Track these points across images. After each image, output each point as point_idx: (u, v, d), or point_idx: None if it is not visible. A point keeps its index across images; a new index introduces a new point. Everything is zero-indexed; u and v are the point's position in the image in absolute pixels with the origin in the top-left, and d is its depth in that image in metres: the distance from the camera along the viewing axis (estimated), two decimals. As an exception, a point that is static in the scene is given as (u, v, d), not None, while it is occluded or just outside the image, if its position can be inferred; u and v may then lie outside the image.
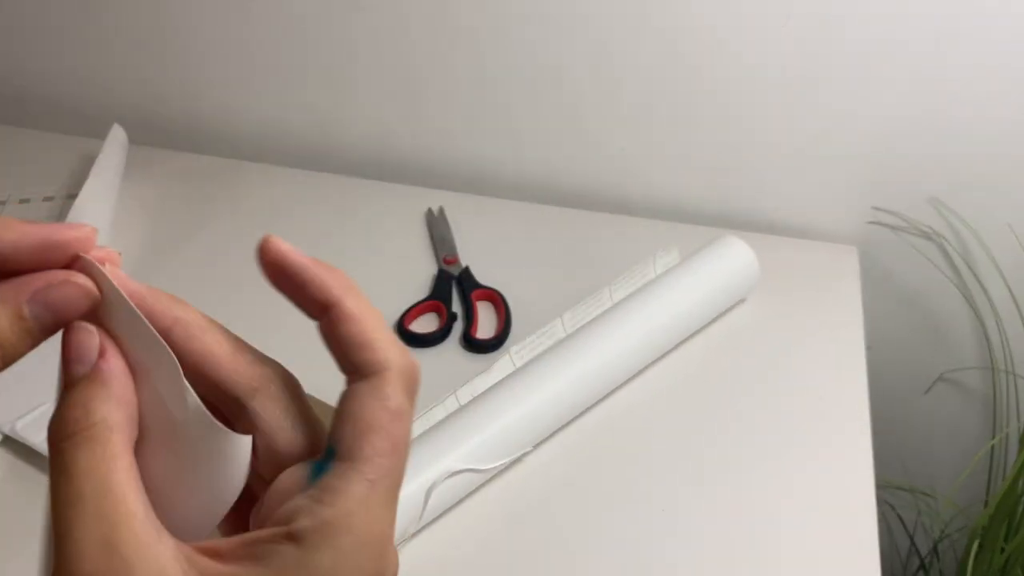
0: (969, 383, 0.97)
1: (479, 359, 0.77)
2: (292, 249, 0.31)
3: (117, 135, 0.95)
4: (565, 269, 0.86)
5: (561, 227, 0.92)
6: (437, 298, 0.82)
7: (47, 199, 0.98)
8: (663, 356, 0.76)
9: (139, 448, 0.29)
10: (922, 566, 1.05)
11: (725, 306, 0.79)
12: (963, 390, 0.98)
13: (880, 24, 0.80)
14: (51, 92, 1.09)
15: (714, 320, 0.79)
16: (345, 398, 0.29)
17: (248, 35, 0.98)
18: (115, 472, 0.27)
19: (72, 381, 0.28)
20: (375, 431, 0.29)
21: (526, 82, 0.92)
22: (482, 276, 0.85)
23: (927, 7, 0.78)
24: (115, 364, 0.29)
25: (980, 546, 0.88)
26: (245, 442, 0.29)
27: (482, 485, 0.66)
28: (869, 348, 0.78)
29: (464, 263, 0.87)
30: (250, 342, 0.31)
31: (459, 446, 0.63)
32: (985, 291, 0.90)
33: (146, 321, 0.28)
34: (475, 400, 0.67)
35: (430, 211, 0.93)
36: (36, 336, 0.28)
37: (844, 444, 0.69)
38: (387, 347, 0.30)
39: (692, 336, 0.78)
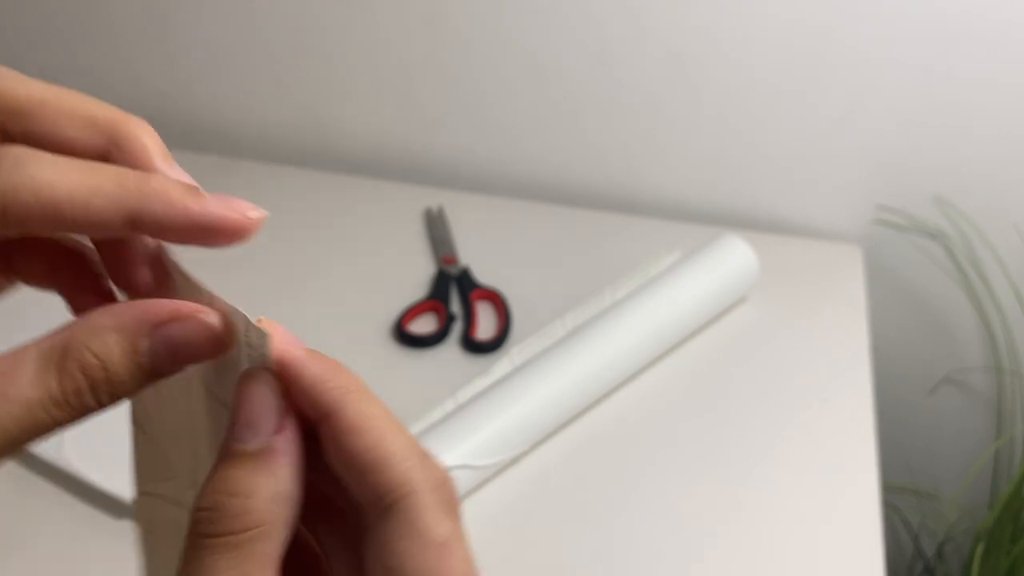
0: (974, 384, 0.96)
1: (478, 360, 0.76)
2: (285, 339, 0.25)
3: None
4: (565, 269, 0.85)
5: (561, 226, 0.91)
6: (436, 298, 0.81)
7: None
8: (663, 356, 0.75)
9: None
10: (927, 569, 1.04)
11: (724, 305, 0.78)
12: (968, 391, 0.97)
13: (886, 22, 0.79)
14: (47, 90, 1.09)
15: (718, 320, 0.78)
16: (372, 544, 0.24)
17: (246, 33, 0.98)
18: None
19: (237, 453, 0.24)
20: None
21: (526, 81, 0.92)
22: (482, 276, 0.84)
23: (934, 5, 0.78)
24: (292, 443, 0.24)
25: (986, 549, 0.87)
26: None
27: (479, 485, 0.65)
28: (873, 348, 0.77)
29: (463, 263, 0.86)
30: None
31: (456, 444, 0.62)
32: (991, 291, 0.89)
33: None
34: (473, 399, 0.66)
35: (429, 210, 0.92)
36: (147, 376, 0.24)
37: (848, 445, 0.68)
38: (406, 461, 0.24)
39: (695, 336, 0.77)
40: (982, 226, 0.87)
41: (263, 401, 0.24)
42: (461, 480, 0.62)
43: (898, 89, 0.82)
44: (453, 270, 0.85)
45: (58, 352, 0.23)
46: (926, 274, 0.91)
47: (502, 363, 0.69)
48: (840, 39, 0.81)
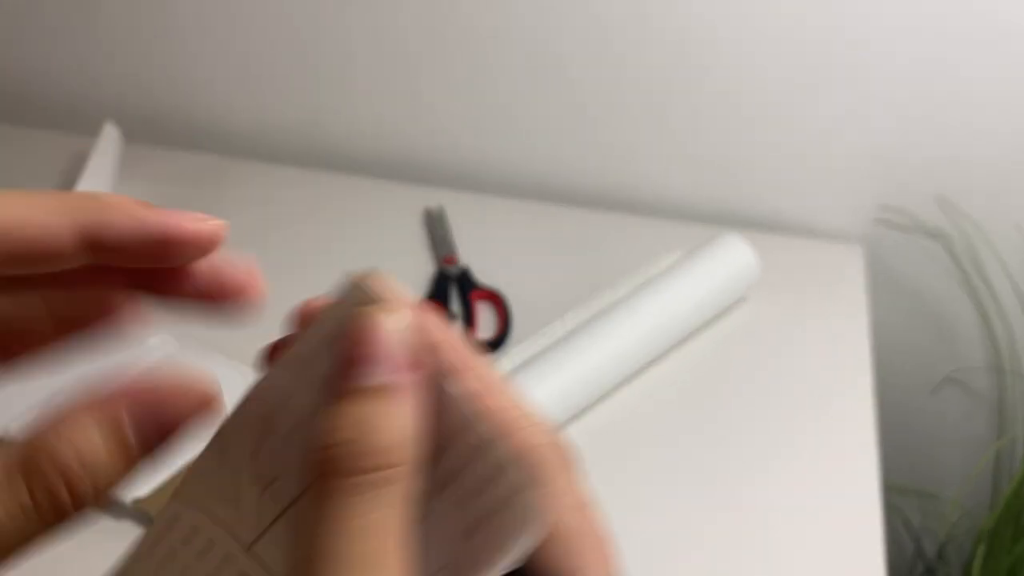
0: (975, 384, 0.96)
1: (478, 360, 0.76)
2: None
3: (111, 133, 0.94)
4: (565, 269, 0.85)
5: (562, 226, 0.91)
6: (436, 298, 0.81)
7: (41, 198, 0.97)
8: (663, 356, 0.75)
9: None
10: (928, 569, 1.04)
11: (723, 305, 0.78)
12: (969, 391, 0.97)
13: (888, 21, 0.79)
14: (44, 90, 1.08)
15: (718, 320, 0.78)
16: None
17: (244, 32, 0.97)
18: (401, 539, 0.20)
19: (365, 391, 0.21)
20: (581, 552, 0.23)
21: (526, 80, 0.91)
22: (482, 276, 0.84)
23: (936, 4, 0.77)
24: (420, 391, 0.22)
25: (987, 549, 0.87)
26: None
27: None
28: (874, 348, 0.77)
29: (463, 263, 0.85)
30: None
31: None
32: (992, 292, 0.89)
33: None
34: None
35: (429, 210, 0.92)
36: (134, 462, 0.21)
37: (849, 445, 0.68)
38: (520, 421, 0.22)
39: (695, 336, 0.77)
40: (984, 226, 0.86)
41: (392, 337, 0.22)
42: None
43: (900, 88, 0.82)
44: (453, 270, 0.84)
45: (20, 453, 0.20)
46: (928, 274, 0.91)
47: (502, 363, 0.69)
48: (842, 38, 0.81)
